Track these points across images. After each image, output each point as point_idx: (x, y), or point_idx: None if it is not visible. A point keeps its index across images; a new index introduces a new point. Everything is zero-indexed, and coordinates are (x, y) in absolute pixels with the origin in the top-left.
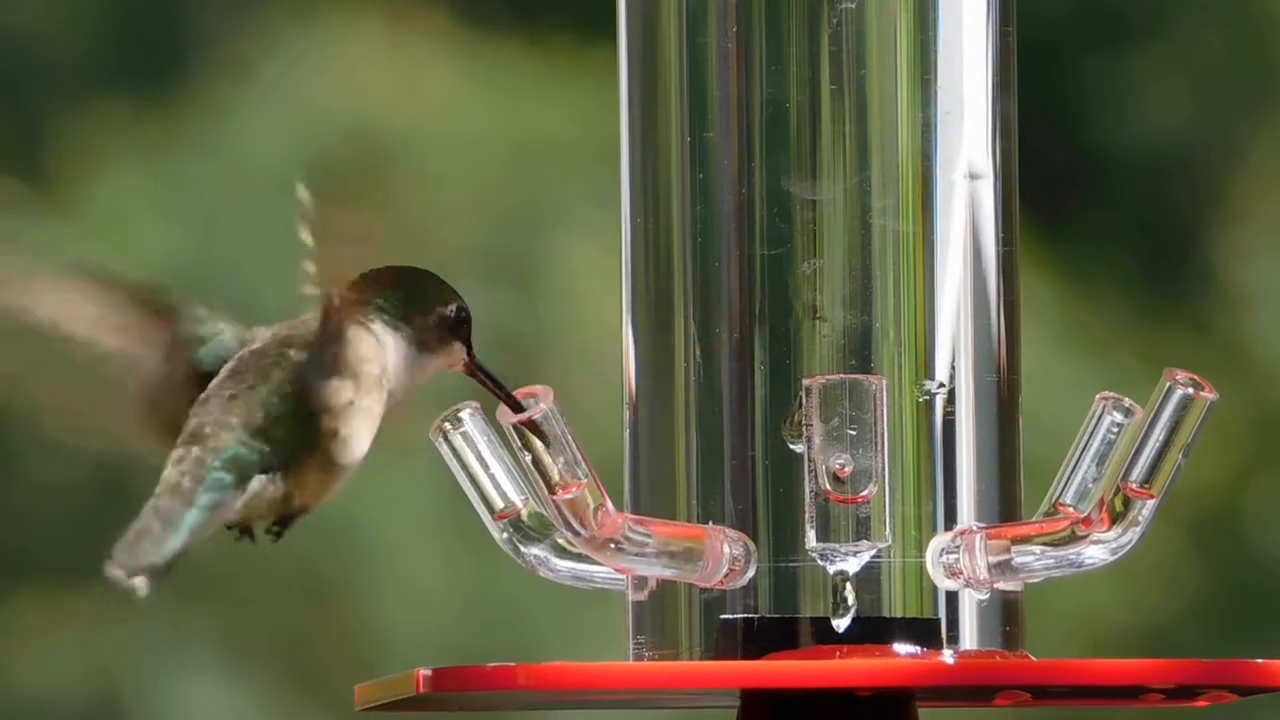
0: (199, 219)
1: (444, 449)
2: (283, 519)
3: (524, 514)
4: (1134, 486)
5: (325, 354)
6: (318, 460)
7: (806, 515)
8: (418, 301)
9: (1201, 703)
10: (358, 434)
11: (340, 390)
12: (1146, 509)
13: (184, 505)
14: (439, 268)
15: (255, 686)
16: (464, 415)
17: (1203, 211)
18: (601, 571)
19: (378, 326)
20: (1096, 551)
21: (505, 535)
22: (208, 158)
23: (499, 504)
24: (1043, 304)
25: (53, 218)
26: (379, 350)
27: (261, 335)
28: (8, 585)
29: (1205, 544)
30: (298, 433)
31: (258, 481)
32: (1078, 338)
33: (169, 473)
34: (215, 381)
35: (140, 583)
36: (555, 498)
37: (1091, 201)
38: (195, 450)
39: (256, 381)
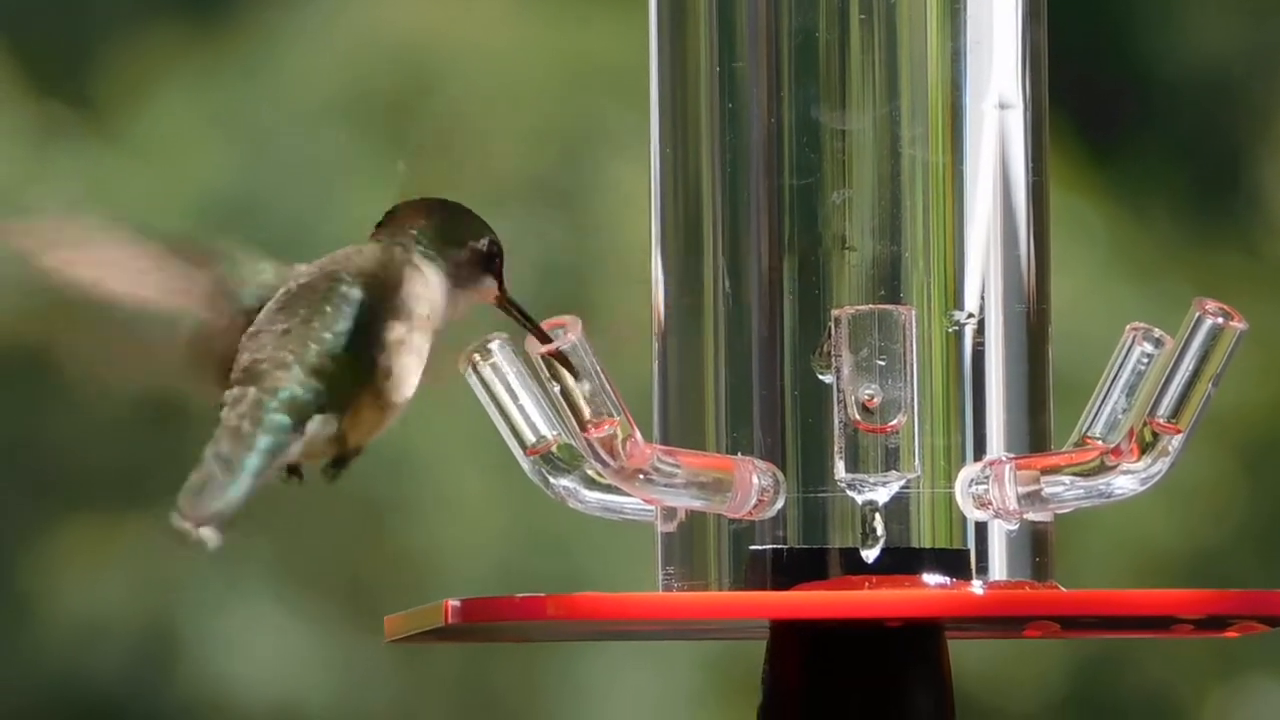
0: (247, 146)
1: (473, 380)
2: (338, 459)
3: (554, 447)
4: (1161, 421)
5: (378, 290)
6: (371, 398)
7: (835, 446)
8: (452, 235)
9: (1232, 633)
10: (409, 371)
11: (393, 328)
12: (1176, 440)
13: (245, 450)
14: (488, 193)
15: (307, 612)
16: (493, 347)
17: (1253, 135)
18: (631, 503)
19: (419, 261)
20: (1126, 482)
21: (534, 466)
22: (256, 85)
23: (529, 437)
24: (1092, 228)
25: (100, 145)
26: (426, 287)
27: (306, 270)
28: (59, 514)
29: (1255, 467)
30: (352, 371)
31: (315, 422)
32: (1127, 262)
33: (227, 415)
34: (264, 314)
35: (209, 533)
36: (587, 435)
37: (1141, 125)
38: (252, 391)
39: (309, 315)
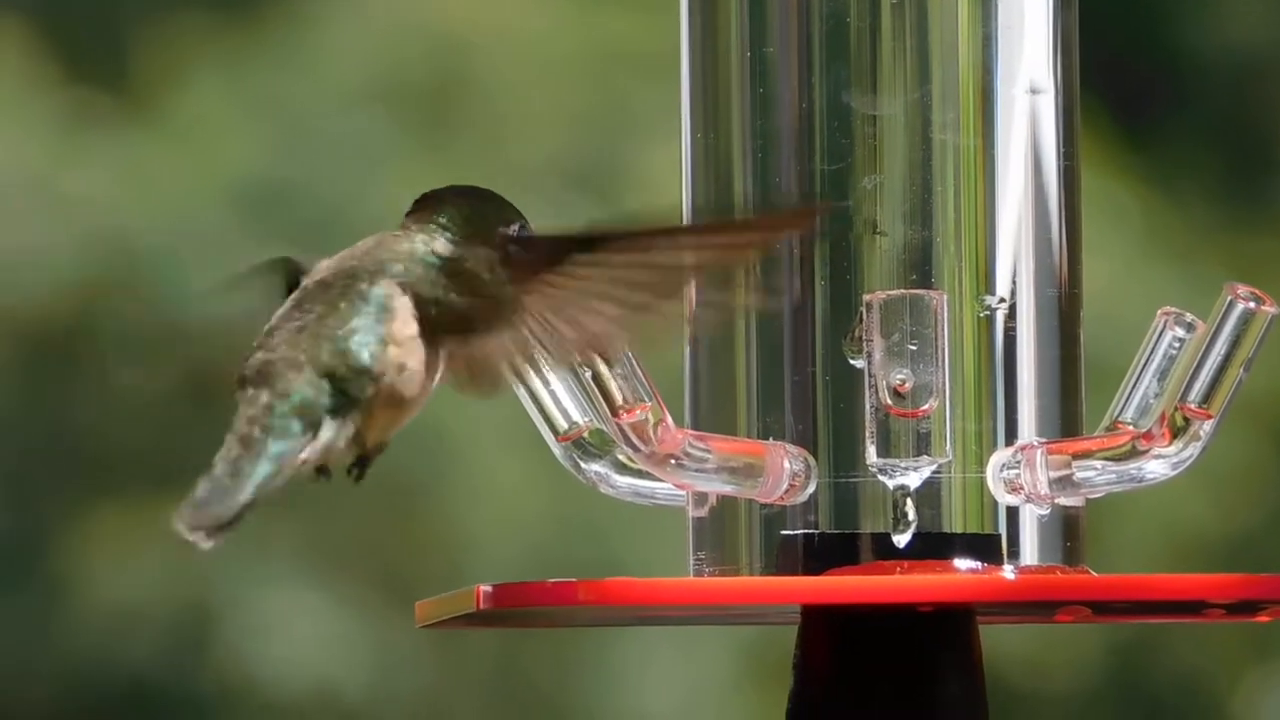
0: (281, 131)
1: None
2: (360, 460)
3: (585, 433)
4: (1192, 407)
5: (393, 286)
6: (387, 397)
7: (867, 431)
8: (480, 222)
9: (1264, 618)
10: (426, 367)
11: (410, 322)
12: (1207, 425)
13: (254, 457)
14: (518, 178)
15: (340, 596)
16: None
17: None
18: (662, 488)
19: (445, 253)
20: (1157, 466)
21: (565, 452)
22: (291, 69)
23: (561, 423)
24: (1126, 212)
25: (135, 130)
26: (444, 279)
27: (325, 265)
28: (93, 499)
29: None
30: (367, 370)
31: (329, 426)
32: (1161, 245)
33: (238, 421)
34: (280, 312)
35: (203, 539)
36: (618, 420)
37: (1175, 109)
38: (264, 395)
39: (325, 313)
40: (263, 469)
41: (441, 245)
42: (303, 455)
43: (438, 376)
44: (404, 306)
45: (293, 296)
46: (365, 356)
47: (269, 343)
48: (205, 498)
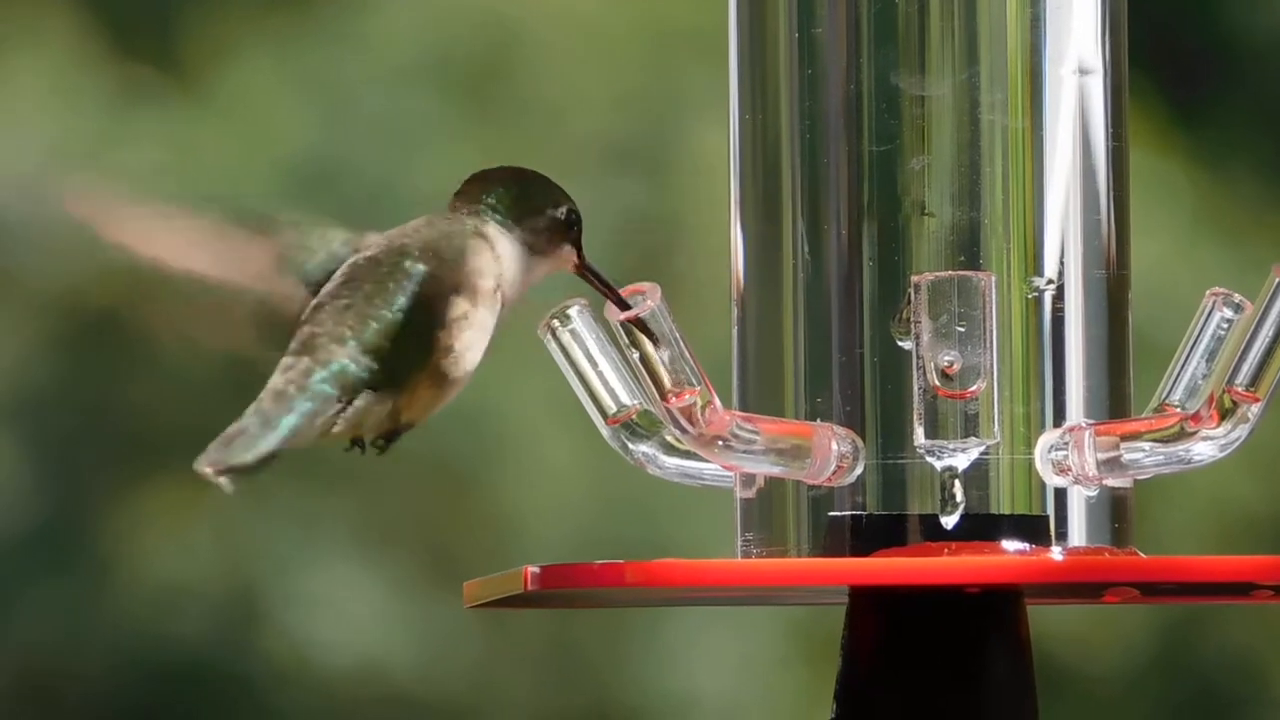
0: (331, 108)
1: (552, 346)
2: (389, 434)
3: (634, 415)
4: (1239, 390)
5: (443, 266)
6: (428, 377)
7: (915, 412)
8: (529, 204)
9: None
10: (471, 348)
11: (456, 304)
12: (1255, 407)
13: (283, 409)
14: (567, 156)
15: (389, 574)
16: (572, 312)
17: None
18: (710, 469)
19: (492, 232)
20: (1205, 448)
21: (613, 433)
22: (340, 47)
23: (610, 406)
24: (1177, 191)
25: (184, 107)
26: (495, 261)
27: (375, 241)
28: (141, 477)
29: None
30: (410, 349)
31: (364, 398)
32: (1212, 225)
33: (275, 379)
34: (328, 288)
35: (225, 481)
36: (668, 405)
37: (1226, 88)
38: (305, 361)
39: (373, 292)
40: (290, 421)
41: (491, 229)
42: (334, 421)
43: (481, 355)
44: (450, 288)
45: (341, 272)
46: (412, 336)
47: (316, 317)
48: (230, 441)
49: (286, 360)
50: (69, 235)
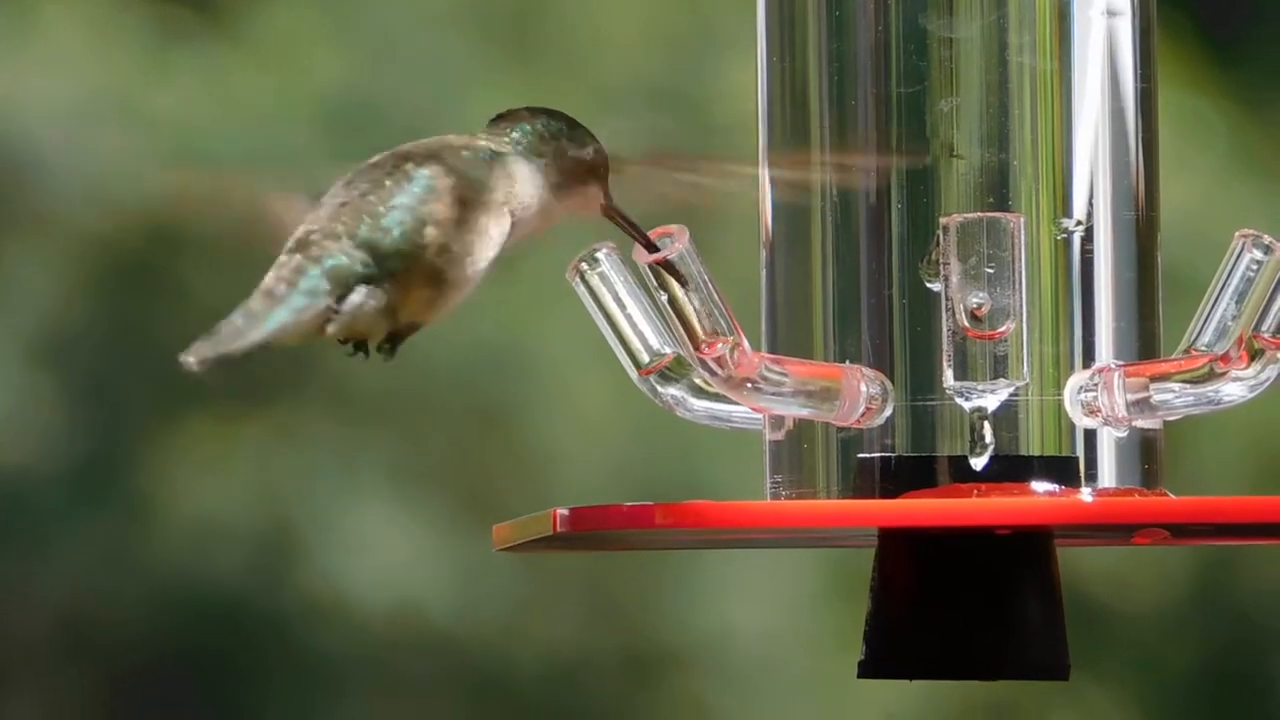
0: (368, 49)
1: (581, 290)
2: (392, 336)
3: (668, 365)
4: (1267, 336)
5: (446, 170)
6: (425, 275)
7: (944, 353)
8: (552, 141)
9: None
10: (471, 253)
11: (456, 208)
12: None
13: (273, 305)
14: (600, 97)
15: (426, 513)
16: (600, 255)
17: None
18: (739, 411)
19: (507, 154)
20: (1235, 389)
21: (642, 377)
22: None
23: (640, 350)
24: (1212, 128)
25: (221, 47)
26: (506, 180)
27: (383, 154)
28: (178, 415)
29: None
30: (405, 245)
31: (359, 293)
32: (1247, 162)
33: (268, 277)
34: (331, 190)
35: (199, 366)
36: (700, 354)
37: (1262, 24)
38: (297, 258)
39: (368, 190)
40: (279, 315)
41: (507, 152)
42: (327, 316)
43: (484, 265)
44: (450, 189)
45: (343, 178)
46: (402, 232)
47: (312, 218)
48: (218, 333)
49: (281, 259)
50: (107, 177)
